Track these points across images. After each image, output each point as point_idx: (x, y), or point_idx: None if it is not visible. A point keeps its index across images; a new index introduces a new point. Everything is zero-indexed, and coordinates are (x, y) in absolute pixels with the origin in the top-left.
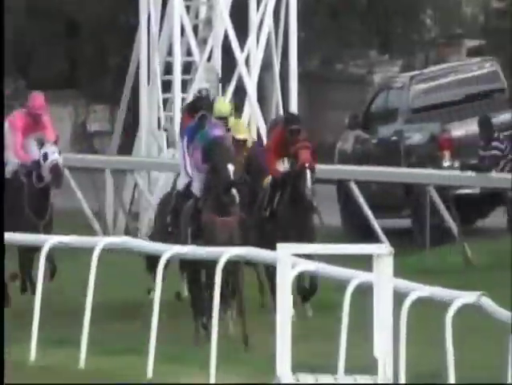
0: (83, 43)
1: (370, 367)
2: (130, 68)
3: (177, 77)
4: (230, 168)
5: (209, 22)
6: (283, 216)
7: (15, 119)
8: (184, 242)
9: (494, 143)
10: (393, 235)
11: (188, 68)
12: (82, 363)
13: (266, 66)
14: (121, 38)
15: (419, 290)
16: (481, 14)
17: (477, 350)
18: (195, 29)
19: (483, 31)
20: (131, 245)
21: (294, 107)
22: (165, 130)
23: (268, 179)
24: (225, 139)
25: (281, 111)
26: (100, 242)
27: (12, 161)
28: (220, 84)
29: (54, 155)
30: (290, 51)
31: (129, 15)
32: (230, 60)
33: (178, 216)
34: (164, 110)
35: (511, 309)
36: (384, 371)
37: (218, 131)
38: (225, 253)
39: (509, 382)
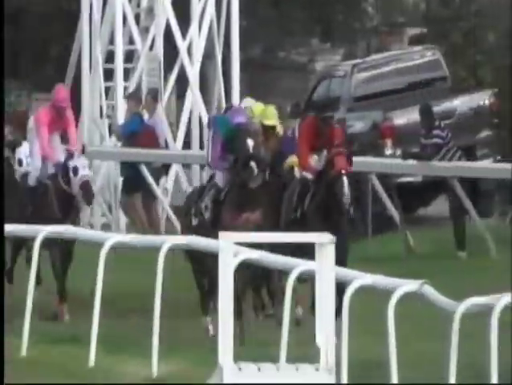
0: (25, 32)
1: (313, 356)
2: (72, 57)
3: (119, 65)
4: (250, 142)
5: (150, 11)
6: (315, 220)
7: (40, 114)
8: (203, 234)
9: (436, 132)
10: None
11: (130, 57)
12: (24, 352)
13: (208, 54)
14: (63, 27)
15: (361, 278)
16: (422, 3)
17: (420, 338)
18: (137, 17)
19: (425, 20)
20: (71, 232)
21: (236, 96)
22: (108, 116)
23: (289, 163)
24: (249, 126)
25: (223, 100)
26: (42, 232)
27: (36, 167)
28: (162, 73)
29: (85, 170)
30: (232, 40)
31: (71, 3)
32: (172, 49)
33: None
34: (106, 98)
35: (453, 297)
36: (326, 360)
37: (241, 118)
38: (167, 242)
39: (451, 369)
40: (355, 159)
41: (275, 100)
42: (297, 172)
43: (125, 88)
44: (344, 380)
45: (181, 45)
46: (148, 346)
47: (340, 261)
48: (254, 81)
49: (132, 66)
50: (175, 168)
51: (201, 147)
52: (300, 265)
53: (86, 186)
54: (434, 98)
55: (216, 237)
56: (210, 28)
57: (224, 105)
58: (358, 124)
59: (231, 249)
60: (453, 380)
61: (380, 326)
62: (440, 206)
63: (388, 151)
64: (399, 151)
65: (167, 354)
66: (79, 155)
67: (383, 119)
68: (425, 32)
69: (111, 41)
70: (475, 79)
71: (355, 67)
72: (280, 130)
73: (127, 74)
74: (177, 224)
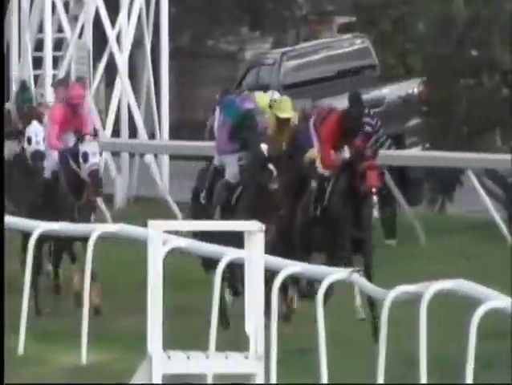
0: None
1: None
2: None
3: (48, 53)
4: (264, 146)
5: None
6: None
7: (53, 111)
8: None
9: (365, 120)
10: None
11: (59, 45)
12: None
13: (138, 42)
14: None
15: (291, 266)
16: None
17: (347, 324)
18: (66, 6)
19: (354, 8)
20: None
21: (165, 84)
22: (39, 104)
23: (309, 157)
24: (257, 112)
25: (152, 88)
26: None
27: (52, 160)
28: (91, 61)
29: (95, 157)
30: (161, 28)
31: None
32: (101, 37)
33: (213, 192)
34: (36, 86)
35: (383, 285)
36: (255, 348)
37: (249, 104)
38: (96, 230)
39: (379, 359)
40: None
41: (204, 89)
42: (320, 168)
43: (54, 76)
44: (273, 368)
45: (110, 33)
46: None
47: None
48: (183, 69)
49: (61, 54)
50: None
51: (131, 136)
52: (229, 254)
53: (94, 175)
54: (363, 86)
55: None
56: (139, 16)
57: (153, 94)
58: None
59: (160, 238)
60: (381, 368)
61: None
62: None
63: None
64: None
65: (97, 343)
66: (91, 140)
67: (312, 107)
68: (354, 20)
69: (41, 29)
70: (404, 67)
71: (285, 55)
72: (294, 121)
73: (56, 62)
74: (107, 213)
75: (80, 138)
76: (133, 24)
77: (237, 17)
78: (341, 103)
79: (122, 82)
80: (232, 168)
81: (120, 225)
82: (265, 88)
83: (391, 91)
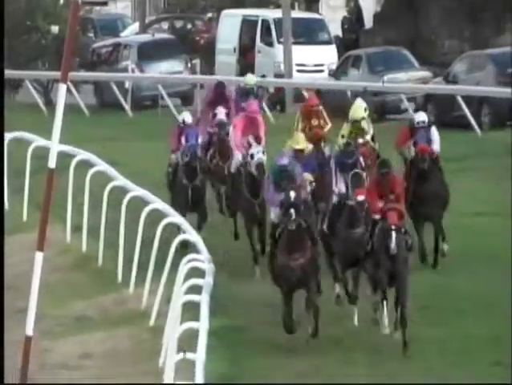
0: None
1: None
2: None
3: None
4: (292, 194)
5: None
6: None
7: (235, 121)
8: None
9: None
10: None
11: None
12: None
13: None
14: None
15: None
16: None
17: None
18: None
19: None
20: None
21: None
22: None
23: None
24: (292, 167)
25: None
26: None
27: (236, 158)
28: None
29: (259, 154)
30: None
31: None
32: None
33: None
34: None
35: None
36: None
37: (284, 160)
38: None
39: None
40: None
41: None
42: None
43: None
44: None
45: None
46: None
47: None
48: None
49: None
50: None
51: None
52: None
53: (259, 167)
54: None
55: None
56: None
57: None
58: None
59: None
60: None
61: None
62: None
63: None
64: None
65: None
66: (257, 145)
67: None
68: None
69: None
70: None
71: None
72: (307, 151)
73: None
74: None
75: (257, 141)
76: None
77: None
78: None
79: None
80: (275, 209)
81: None
82: None
83: None
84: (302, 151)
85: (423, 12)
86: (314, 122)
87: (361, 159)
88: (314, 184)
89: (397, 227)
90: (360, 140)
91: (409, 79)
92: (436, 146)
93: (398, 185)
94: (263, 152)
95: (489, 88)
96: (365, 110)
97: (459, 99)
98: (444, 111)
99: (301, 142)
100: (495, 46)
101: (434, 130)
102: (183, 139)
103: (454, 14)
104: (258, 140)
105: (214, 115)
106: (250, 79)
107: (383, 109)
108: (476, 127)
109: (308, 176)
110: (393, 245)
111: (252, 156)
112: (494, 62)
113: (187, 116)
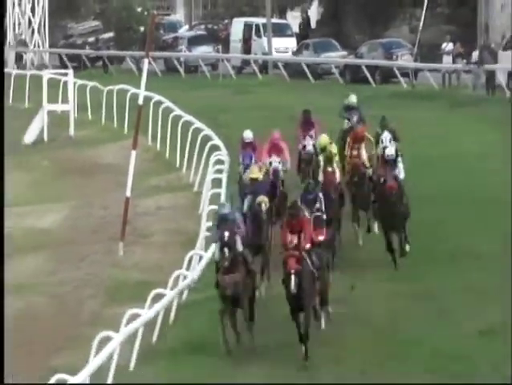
0: None
1: None
2: None
3: None
4: (226, 234)
5: None
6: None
7: (263, 146)
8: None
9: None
10: None
11: None
12: None
13: None
14: None
15: None
16: None
17: None
18: None
19: None
20: None
21: None
22: None
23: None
24: (232, 215)
25: None
26: None
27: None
28: None
29: (275, 163)
30: None
31: None
32: None
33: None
34: None
35: None
36: None
37: (224, 210)
38: None
39: None
40: None
41: None
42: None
43: None
44: None
45: None
46: None
47: None
48: None
49: None
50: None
51: None
52: None
53: (275, 172)
54: None
55: None
56: None
57: None
58: None
59: None
60: None
61: None
62: None
63: None
64: None
65: None
66: (276, 159)
67: None
68: None
69: None
70: None
71: None
72: (260, 179)
73: None
74: None
75: (270, 162)
76: None
77: None
78: None
79: None
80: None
81: None
82: None
83: None
84: (256, 179)
85: (344, 18)
86: (354, 151)
87: (320, 194)
88: (268, 203)
89: (296, 271)
90: (329, 169)
91: (335, 56)
92: (401, 175)
93: (306, 224)
94: (279, 162)
95: (379, 61)
96: (329, 140)
97: (363, 67)
98: (354, 74)
99: (255, 173)
100: (384, 37)
101: (399, 161)
102: (240, 157)
103: (361, 18)
104: (282, 159)
105: (270, 164)
106: (354, 97)
107: (321, 72)
108: (372, 81)
109: (264, 199)
110: (292, 286)
111: (270, 164)
112: (383, 46)
113: (246, 133)
